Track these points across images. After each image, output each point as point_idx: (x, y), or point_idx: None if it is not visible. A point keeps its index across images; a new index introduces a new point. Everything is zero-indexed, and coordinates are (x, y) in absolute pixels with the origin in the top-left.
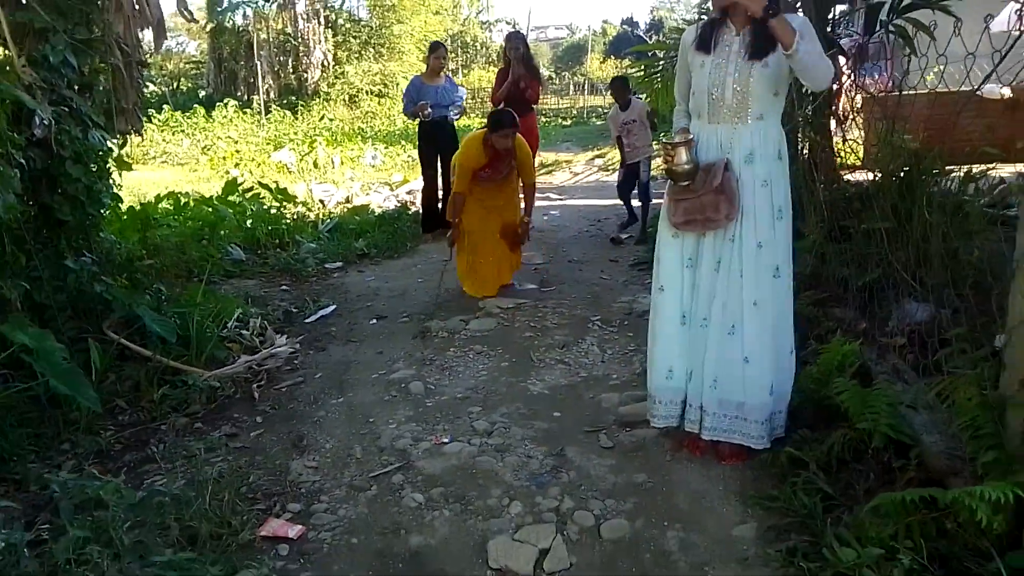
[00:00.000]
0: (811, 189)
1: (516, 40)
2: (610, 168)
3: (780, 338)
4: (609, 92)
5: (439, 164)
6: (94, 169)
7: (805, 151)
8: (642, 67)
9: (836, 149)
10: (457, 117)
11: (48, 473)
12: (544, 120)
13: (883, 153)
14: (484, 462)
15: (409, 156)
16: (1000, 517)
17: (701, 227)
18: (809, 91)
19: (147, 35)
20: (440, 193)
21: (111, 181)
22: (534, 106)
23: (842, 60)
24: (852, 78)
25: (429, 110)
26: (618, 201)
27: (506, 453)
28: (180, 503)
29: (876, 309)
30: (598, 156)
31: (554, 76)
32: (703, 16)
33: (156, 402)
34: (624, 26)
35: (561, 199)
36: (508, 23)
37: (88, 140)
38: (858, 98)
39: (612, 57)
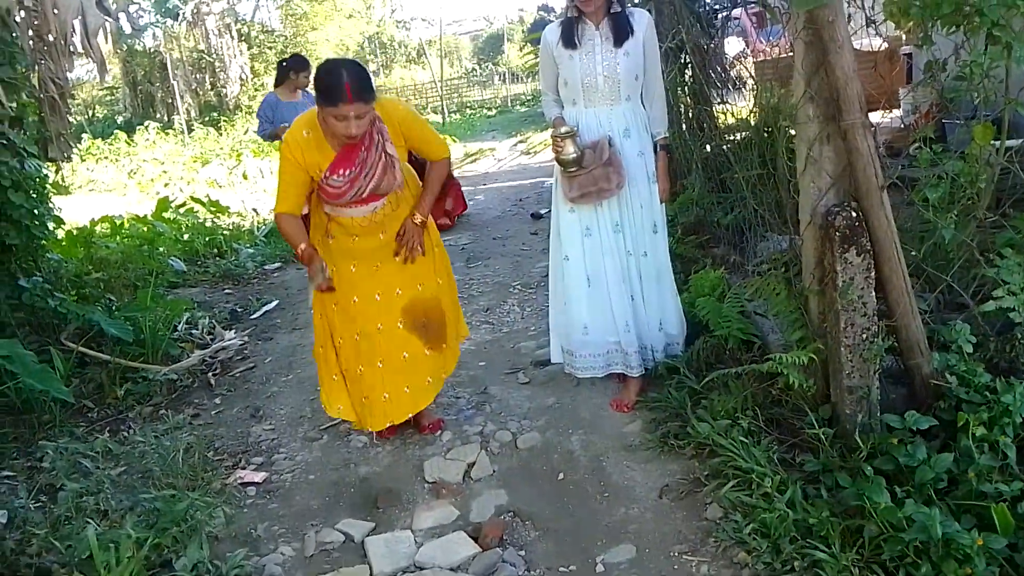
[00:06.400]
0: (692, 149)
1: None
2: (532, 152)
3: (664, 285)
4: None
5: None
6: (34, 195)
7: (686, 116)
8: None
9: (717, 112)
10: None
11: (41, 441)
12: (470, 112)
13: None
14: None
15: None
16: (811, 381)
17: (596, 197)
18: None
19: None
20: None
21: (51, 206)
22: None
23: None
24: (748, 46)
25: None
26: (539, 179)
27: (438, 397)
28: (158, 456)
29: (746, 245)
30: (520, 141)
31: (477, 68)
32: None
33: (121, 398)
34: (540, 12)
35: (485, 184)
36: (424, 20)
37: (25, 169)
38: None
39: (531, 44)
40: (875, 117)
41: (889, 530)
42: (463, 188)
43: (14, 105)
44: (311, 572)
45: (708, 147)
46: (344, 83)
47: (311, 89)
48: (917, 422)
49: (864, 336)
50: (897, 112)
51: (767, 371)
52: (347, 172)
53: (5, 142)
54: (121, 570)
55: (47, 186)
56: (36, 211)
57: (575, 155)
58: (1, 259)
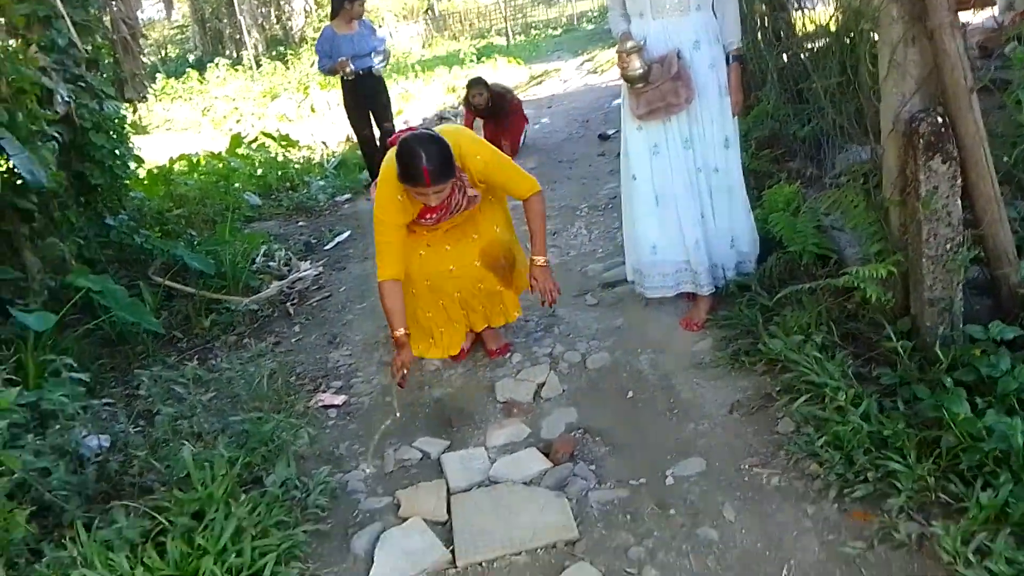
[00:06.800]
0: (767, 59)
1: (477, 88)
2: (599, 71)
3: (736, 201)
4: None
5: (373, 121)
6: (114, 136)
7: (761, 25)
8: None
9: (794, 19)
10: (384, 65)
11: (137, 370)
12: (534, 32)
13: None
14: None
15: (402, 87)
16: (890, 294)
17: (664, 113)
18: None
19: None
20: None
21: (131, 145)
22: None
23: None
24: None
25: (351, 67)
26: (606, 98)
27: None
28: (244, 381)
29: (823, 157)
30: (587, 60)
31: None
32: None
33: (207, 328)
34: None
35: (551, 107)
36: None
37: (104, 111)
38: None
39: None
40: (966, 16)
41: (968, 440)
42: (529, 111)
43: (89, 48)
44: (391, 487)
45: (784, 56)
46: (423, 168)
47: (367, 17)
48: (1002, 332)
49: (948, 247)
50: (991, 11)
51: (843, 286)
52: (435, 216)
53: (84, 84)
54: (216, 486)
55: (126, 126)
56: (117, 151)
57: (642, 70)
58: (88, 199)
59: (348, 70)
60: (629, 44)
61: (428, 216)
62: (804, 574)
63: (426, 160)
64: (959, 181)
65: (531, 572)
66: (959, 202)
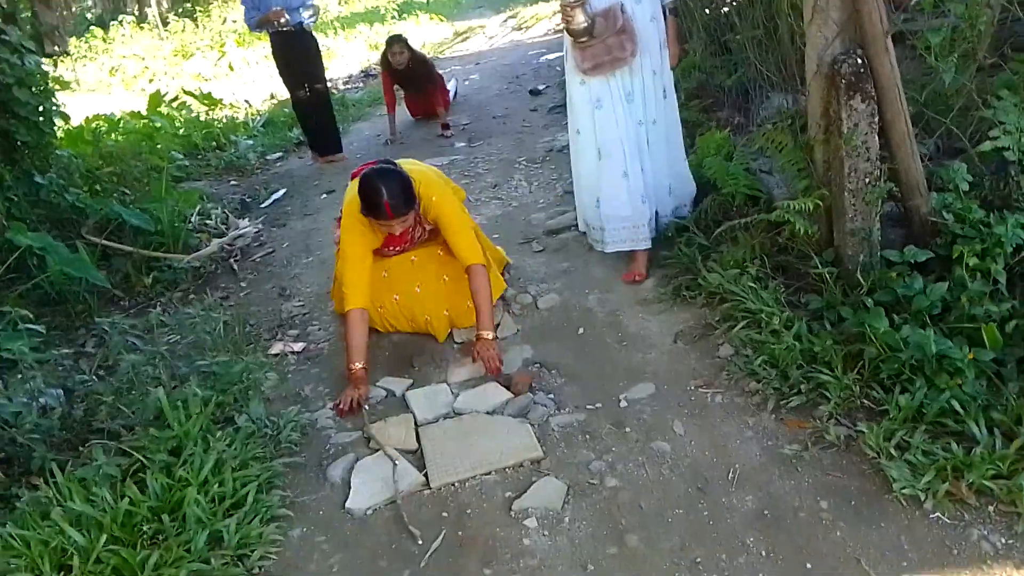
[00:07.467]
0: (693, 11)
1: (398, 45)
2: (523, 27)
3: (673, 149)
4: None
5: (306, 82)
6: (37, 92)
7: None
8: None
9: None
10: (314, 21)
11: (99, 318)
12: None
13: None
14: None
15: (324, 45)
16: (816, 227)
17: (609, 67)
18: None
19: None
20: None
21: (55, 101)
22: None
23: None
24: None
25: (286, 17)
26: (533, 54)
27: None
28: (203, 329)
29: (750, 106)
30: (511, 17)
31: None
32: None
33: (148, 286)
34: None
35: (479, 64)
36: None
37: (25, 66)
38: None
39: None
40: None
41: (887, 352)
42: (456, 68)
43: (5, 2)
44: (360, 422)
45: (707, 10)
46: (384, 202)
47: None
48: (915, 255)
49: (867, 180)
50: None
51: (774, 220)
52: (398, 248)
53: (3, 39)
54: (191, 424)
55: (48, 82)
56: (42, 107)
57: (586, 24)
58: (14, 157)
59: (283, 20)
60: None
61: (391, 247)
62: (747, 474)
63: (387, 194)
64: (877, 119)
65: (502, 488)
66: (876, 138)
